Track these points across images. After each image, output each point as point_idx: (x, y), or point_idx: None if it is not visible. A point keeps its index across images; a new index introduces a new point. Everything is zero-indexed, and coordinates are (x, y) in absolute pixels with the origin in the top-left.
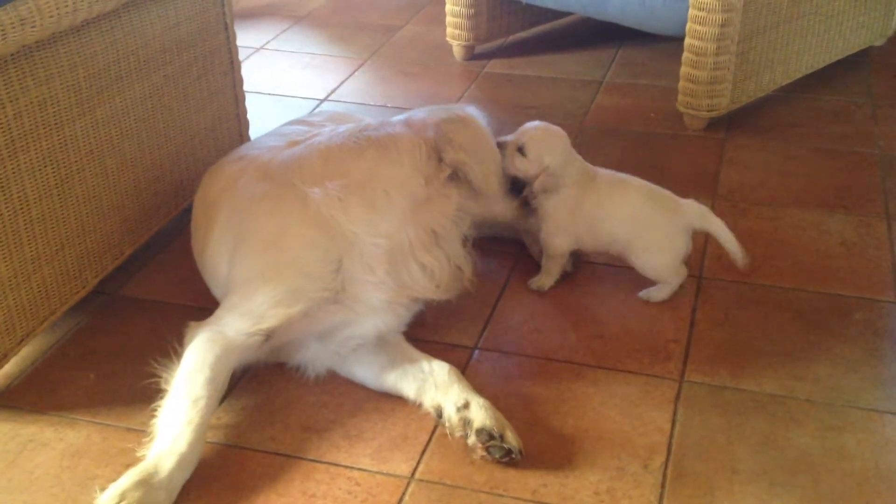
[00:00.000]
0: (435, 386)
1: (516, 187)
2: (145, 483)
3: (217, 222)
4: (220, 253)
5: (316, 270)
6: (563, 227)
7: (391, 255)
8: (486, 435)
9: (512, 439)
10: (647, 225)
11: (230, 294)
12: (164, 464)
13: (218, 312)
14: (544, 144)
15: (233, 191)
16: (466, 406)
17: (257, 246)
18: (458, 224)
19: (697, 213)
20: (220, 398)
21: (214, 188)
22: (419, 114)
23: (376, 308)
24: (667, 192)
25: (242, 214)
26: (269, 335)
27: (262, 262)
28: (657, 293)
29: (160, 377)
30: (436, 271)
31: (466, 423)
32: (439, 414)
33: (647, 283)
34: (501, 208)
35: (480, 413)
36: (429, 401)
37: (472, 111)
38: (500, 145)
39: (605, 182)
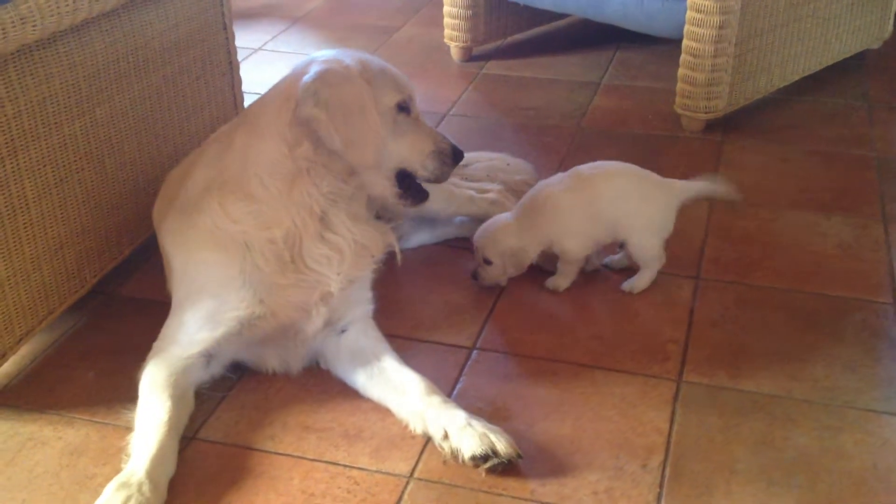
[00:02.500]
0: (412, 412)
1: (403, 183)
2: (125, 485)
3: (164, 255)
4: (169, 282)
5: (223, 291)
6: (571, 231)
7: (288, 246)
8: (480, 460)
9: (504, 449)
10: (639, 202)
11: (166, 322)
12: (139, 464)
13: (156, 342)
14: (494, 243)
15: (164, 226)
16: (446, 437)
17: (178, 277)
18: (339, 201)
19: (682, 186)
20: (188, 409)
21: (156, 218)
22: (309, 63)
23: (301, 309)
24: (651, 173)
25: (168, 250)
26: (207, 356)
27: (183, 292)
28: (640, 281)
29: (131, 415)
30: (332, 259)
31: (455, 451)
32: (428, 438)
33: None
34: (380, 189)
35: (463, 439)
36: (412, 427)
37: (355, 61)
38: (475, 275)
39: (580, 182)
